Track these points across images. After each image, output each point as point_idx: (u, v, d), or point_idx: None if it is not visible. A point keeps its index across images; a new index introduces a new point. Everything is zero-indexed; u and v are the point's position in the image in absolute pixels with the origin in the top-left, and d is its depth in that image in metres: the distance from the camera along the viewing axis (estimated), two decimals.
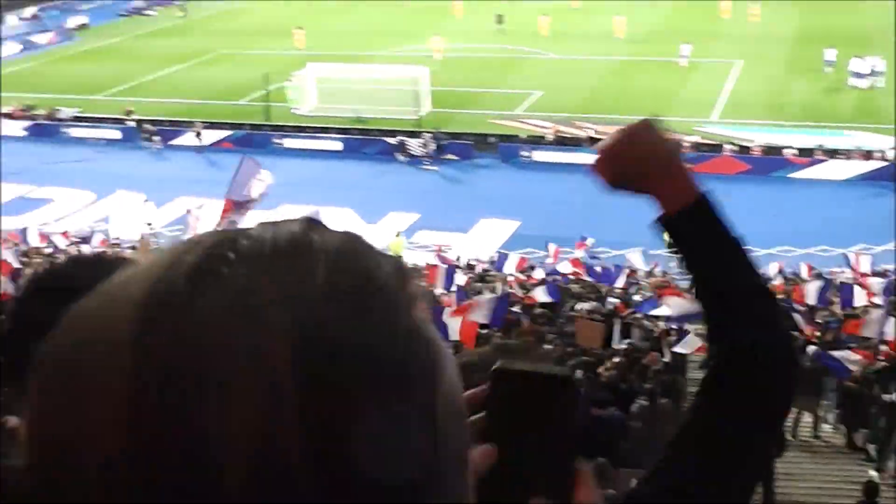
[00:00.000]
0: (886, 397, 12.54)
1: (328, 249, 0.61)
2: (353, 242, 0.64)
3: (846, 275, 20.52)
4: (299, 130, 35.43)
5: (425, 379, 0.60)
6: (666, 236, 1.39)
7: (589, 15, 51.55)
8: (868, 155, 29.79)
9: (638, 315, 16.02)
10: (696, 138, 32.06)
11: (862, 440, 12.96)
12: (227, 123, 36.03)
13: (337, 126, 35.22)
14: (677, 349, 14.48)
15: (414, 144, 32.69)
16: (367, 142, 34.00)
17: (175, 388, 0.54)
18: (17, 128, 37.14)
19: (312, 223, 0.64)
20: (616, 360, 12.63)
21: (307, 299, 0.57)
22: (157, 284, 0.58)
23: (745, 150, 31.07)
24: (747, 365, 1.28)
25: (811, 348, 13.69)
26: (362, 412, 0.55)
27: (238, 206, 15.20)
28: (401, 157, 32.48)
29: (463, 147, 32.62)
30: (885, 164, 29.28)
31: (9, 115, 37.65)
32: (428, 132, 33.23)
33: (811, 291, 17.90)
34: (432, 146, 32.43)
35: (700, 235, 1.34)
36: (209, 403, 0.53)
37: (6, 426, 1.35)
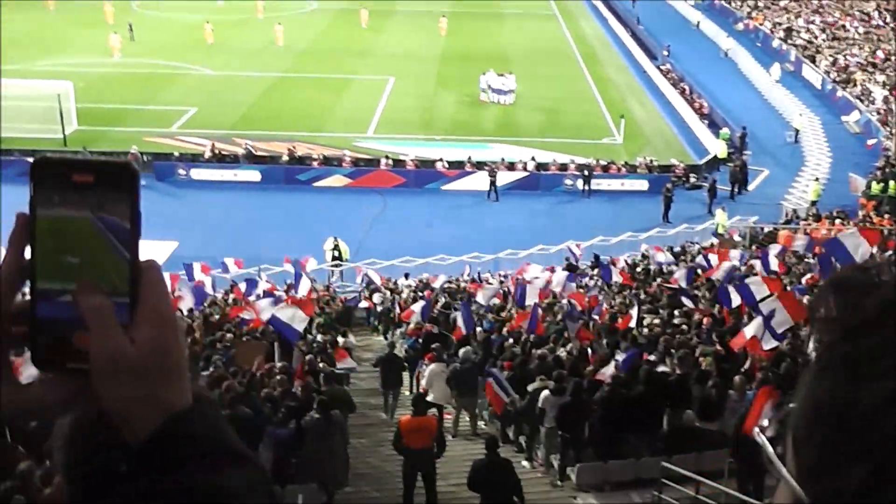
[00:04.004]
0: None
1: None
2: None
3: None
4: None
5: None
6: None
7: (247, 29, 51.12)
8: (511, 166, 32.04)
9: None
10: (354, 153, 32.84)
11: (514, 434, 13.77)
12: None
13: None
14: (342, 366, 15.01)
15: None
16: (7, 163, 30.97)
17: None
18: None
19: None
20: (279, 377, 12.50)
21: None
22: None
23: (400, 163, 32.22)
24: None
25: (463, 349, 14.49)
26: None
27: None
28: None
29: None
30: (526, 174, 31.68)
31: None
32: (75, 151, 31.07)
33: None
34: None
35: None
36: None
37: None
